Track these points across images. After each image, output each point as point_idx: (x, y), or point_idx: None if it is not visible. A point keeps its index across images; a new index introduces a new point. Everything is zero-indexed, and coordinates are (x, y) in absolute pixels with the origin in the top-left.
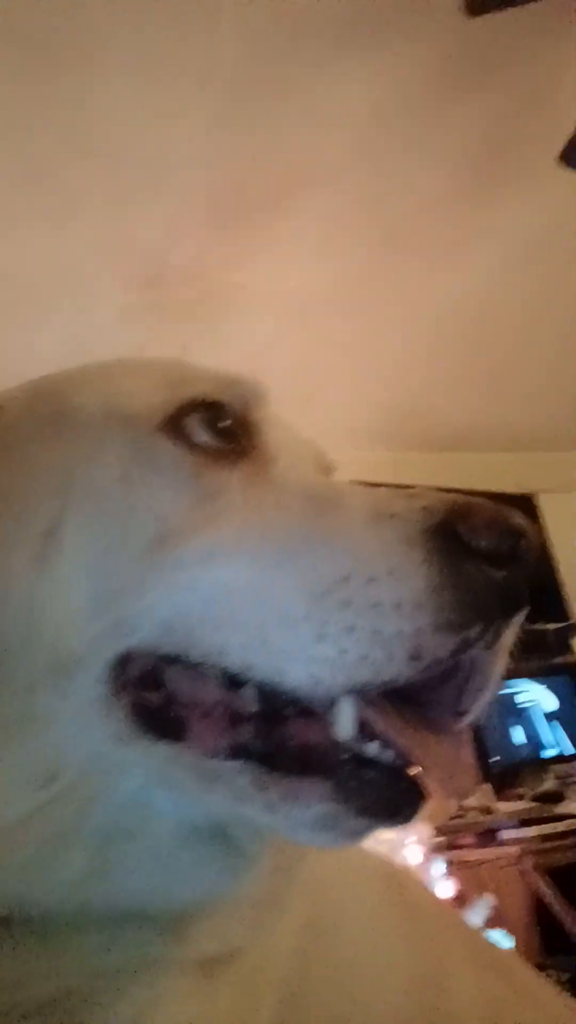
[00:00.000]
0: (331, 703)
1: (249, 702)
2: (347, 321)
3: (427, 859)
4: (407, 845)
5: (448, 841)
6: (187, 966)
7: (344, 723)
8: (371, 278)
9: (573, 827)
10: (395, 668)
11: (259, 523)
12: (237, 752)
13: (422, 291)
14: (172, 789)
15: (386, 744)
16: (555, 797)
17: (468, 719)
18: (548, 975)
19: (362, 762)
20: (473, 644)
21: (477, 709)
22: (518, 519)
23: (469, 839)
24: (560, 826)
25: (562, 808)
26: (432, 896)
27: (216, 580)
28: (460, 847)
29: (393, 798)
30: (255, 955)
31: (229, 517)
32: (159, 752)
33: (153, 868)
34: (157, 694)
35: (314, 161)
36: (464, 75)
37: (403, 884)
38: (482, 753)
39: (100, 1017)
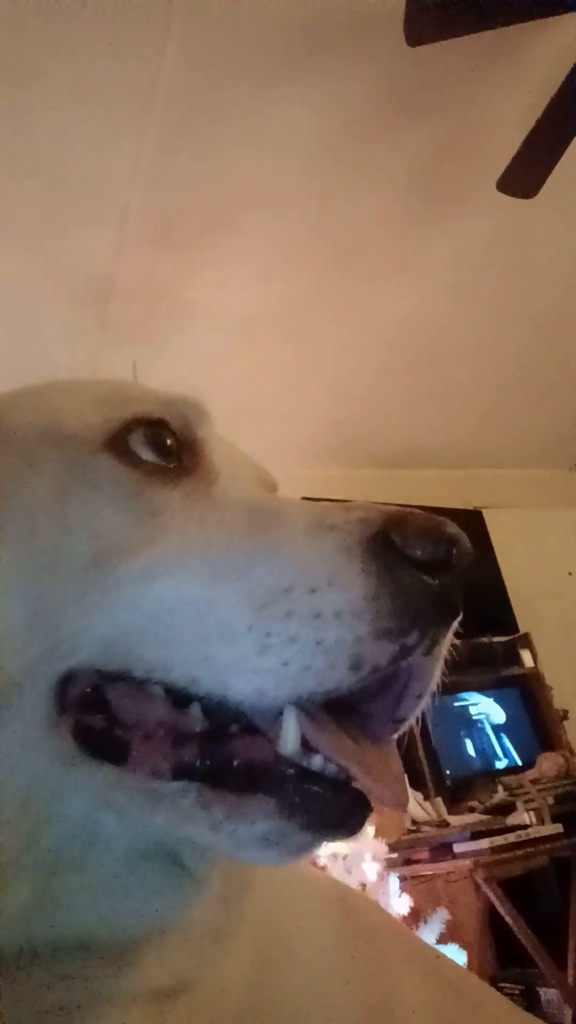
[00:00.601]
0: (274, 718)
1: (194, 721)
2: (294, 340)
3: (382, 875)
4: (363, 862)
5: (403, 857)
6: (137, 1000)
7: (288, 738)
8: (317, 298)
9: (523, 838)
10: (337, 677)
11: (200, 539)
12: (181, 772)
13: (367, 312)
14: (118, 813)
15: (328, 758)
16: (506, 809)
17: (405, 726)
18: (502, 988)
19: (306, 776)
20: (411, 651)
21: (414, 716)
22: (451, 528)
23: (423, 854)
24: (511, 837)
25: (513, 819)
26: (384, 917)
27: (157, 597)
28: (415, 862)
29: (338, 811)
30: (205, 988)
31: (170, 534)
32: (102, 775)
33: (101, 897)
34: (100, 716)
35: (259, 183)
36: (408, 101)
37: (353, 908)
38: (435, 767)
39: None
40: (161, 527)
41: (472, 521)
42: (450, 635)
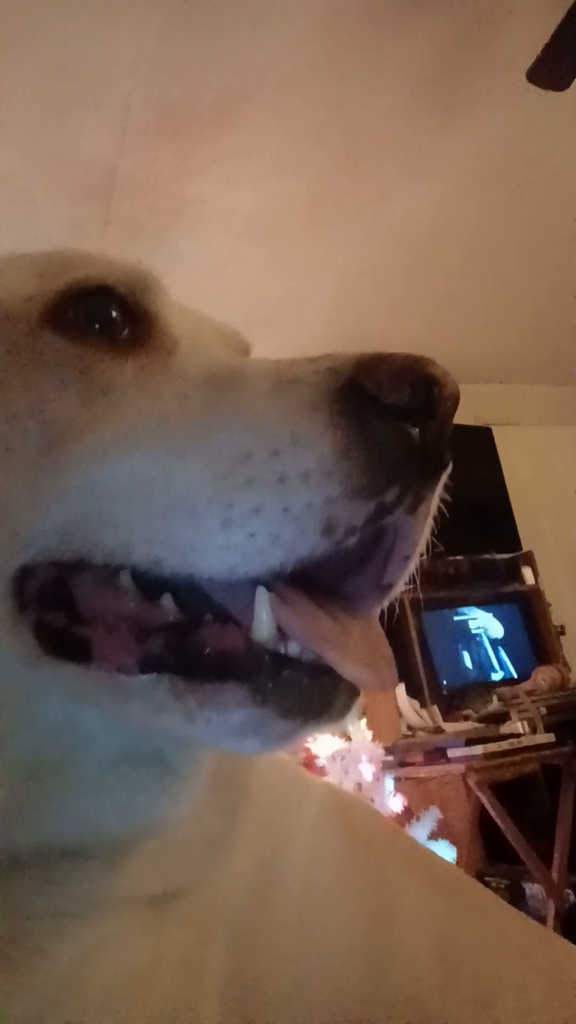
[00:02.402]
0: (248, 603)
1: (167, 612)
2: (303, 241)
3: (378, 776)
4: (359, 763)
5: (398, 759)
6: (135, 905)
7: (261, 623)
8: (328, 196)
9: (516, 746)
10: (309, 544)
11: (155, 413)
12: (150, 665)
13: (380, 211)
14: (99, 711)
15: (306, 642)
16: (500, 718)
17: (393, 593)
18: (488, 882)
19: (282, 662)
20: (391, 509)
21: (402, 580)
22: (431, 368)
23: (418, 757)
24: (504, 744)
25: (506, 728)
26: (381, 824)
27: (112, 477)
28: (409, 764)
29: (317, 697)
30: (204, 894)
31: (123, 410)
32: (67, 673)
33: (83, 799)
34: (60, 614)
35: (269, 69)
36: None
37: (351, 816)
38: (432, 677)
39: (40, 962)
40: (112, 404)
41: (481, 437)
42: (438, 489)
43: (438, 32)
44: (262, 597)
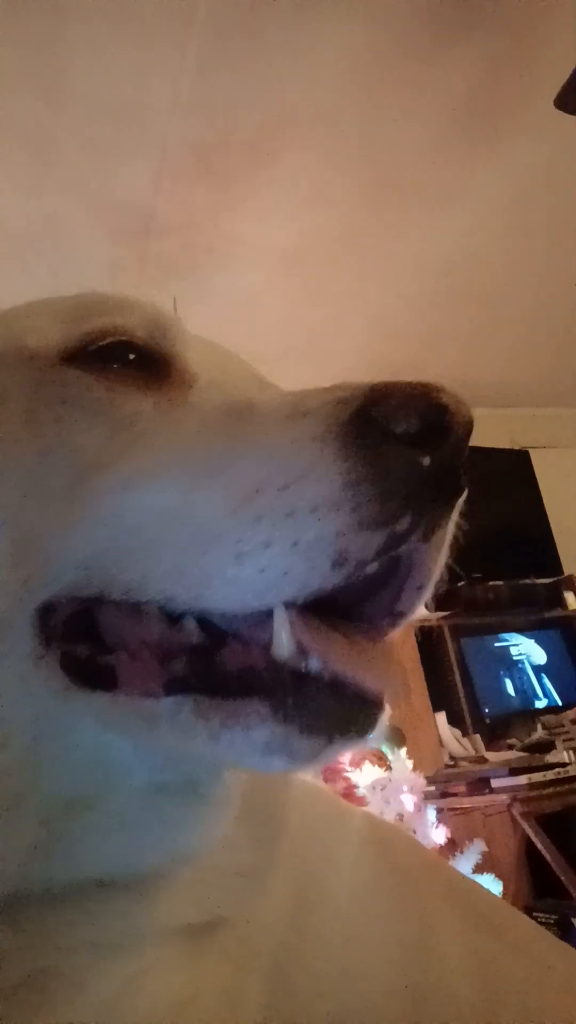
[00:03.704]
0: (267, 622)
1: (189, 635)
2: (337, 274)
3: (419, 807)
4: (401, 793)
5: (440, 790)
6: (172, 936)
7: (281, 642)
8: (360, 229)
9: (562, 775)
10: (319, 578)
11: (175, 446)
12: (174, 687)
13: (414, 243)
14: (124, 736)
15: (324, 659)
16: (545, 746)
17: (405, 621)
18: (536, 917)
19: (303, 680)
20: (405, 539)
21: (416, 609)
22: (441, 395)
23: (461, 787)
24: (549, 774)
25: (551, 757)
26: (421, 854)
27: (133, 509)
28: (452, 795)
29: (339, 712)
30: (242, 926)
31: (145, 443)
32: (96, 702)
33: (116, 832)
34: (84, 645)
35: (302, 106)
36: (459, 14)
37: (390, 847)
38: (474, 705)
39: (79, 995)
40: (136, 436)
41: (519, 461)
42: (454, 516)
43: (470, 63)
44: (280, 616)
